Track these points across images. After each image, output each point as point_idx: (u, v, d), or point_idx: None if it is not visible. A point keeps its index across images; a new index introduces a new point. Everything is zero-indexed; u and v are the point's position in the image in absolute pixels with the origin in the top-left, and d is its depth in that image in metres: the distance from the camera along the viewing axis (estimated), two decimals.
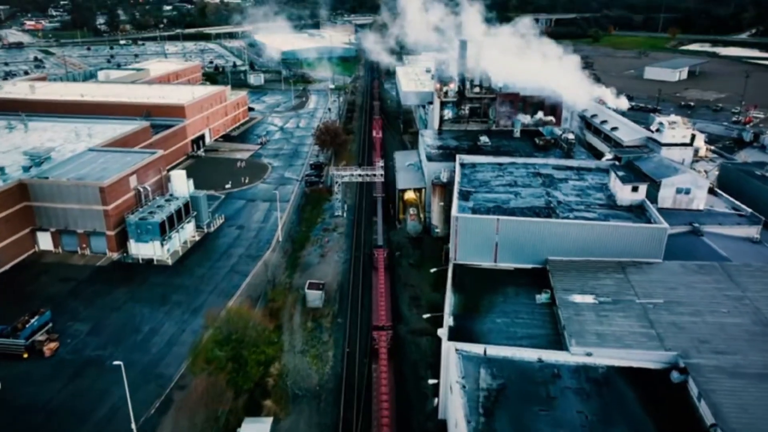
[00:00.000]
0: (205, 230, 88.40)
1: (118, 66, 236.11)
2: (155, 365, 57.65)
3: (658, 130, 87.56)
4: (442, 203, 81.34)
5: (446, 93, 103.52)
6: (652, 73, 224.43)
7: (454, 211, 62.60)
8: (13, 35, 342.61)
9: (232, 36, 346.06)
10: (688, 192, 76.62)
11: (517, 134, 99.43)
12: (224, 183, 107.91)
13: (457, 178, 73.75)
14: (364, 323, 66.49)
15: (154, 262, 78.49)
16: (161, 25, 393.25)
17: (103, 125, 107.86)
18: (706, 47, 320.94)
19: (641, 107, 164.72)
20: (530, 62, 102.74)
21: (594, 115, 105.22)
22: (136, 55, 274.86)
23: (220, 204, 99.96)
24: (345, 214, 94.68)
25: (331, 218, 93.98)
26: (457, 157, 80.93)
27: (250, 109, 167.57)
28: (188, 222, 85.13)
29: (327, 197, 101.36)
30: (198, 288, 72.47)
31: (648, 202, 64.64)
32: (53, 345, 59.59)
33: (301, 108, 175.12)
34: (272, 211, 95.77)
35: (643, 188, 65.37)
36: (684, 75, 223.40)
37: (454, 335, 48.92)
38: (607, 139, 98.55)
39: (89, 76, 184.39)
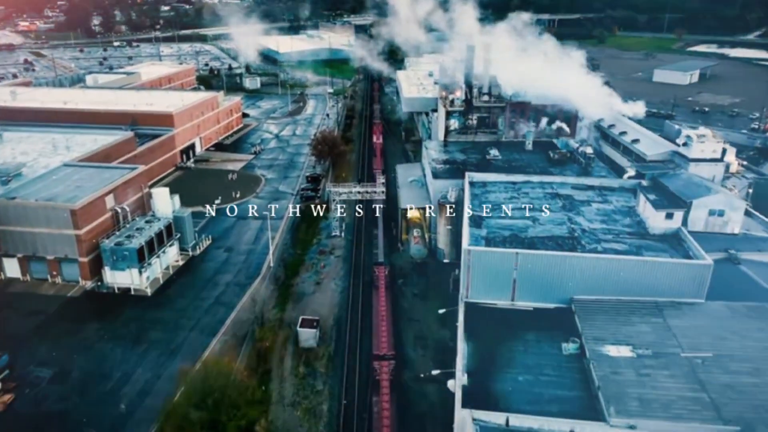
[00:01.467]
0: (190, 253, 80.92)
1: (110, 69, 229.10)
2: (123, 424, 50.13)
3: (685, 144, 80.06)
4: (450, 227, 73.85)
5: (452, 102, 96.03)
6: (661, 75, 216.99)
7: (465, 242, 55.12)
8: (6, 36, 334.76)
9: (228, 37, 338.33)
10: (721, 214, 69.13)
11: (529, 147, 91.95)
12: (214, 198, 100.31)
13: (467, 200, 66.28)
14: (363, 372, 58.96)
15: (131, 292, 70.97)
16: (157, 26, 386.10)
17: (83, 136, 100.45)
18: (713, 48, 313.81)
19: (654, 113, 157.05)
20: (542, 67, 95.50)
21: (611, 126, 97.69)
22: (130, 57, 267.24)
23: (209, 222, 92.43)
24: (343, 234, 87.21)
25: (327, 239, 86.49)
26: (466, 174, 73.46)
27: (245, 115, 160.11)
28: (171, 245, 77.64)
29: (324, 214, 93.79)
30: (178, 323, 64.95)
31: (685, 231, 57.14)
32: (7, 397, 52.21)
33: (299, 114, 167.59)
34: (264, 230, 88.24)
35: (678, 215, 57.87)
36: (695, 78, 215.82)
37: (469, 400, 41.41)
38: (627, 151, 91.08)
39: (77, 81, 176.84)
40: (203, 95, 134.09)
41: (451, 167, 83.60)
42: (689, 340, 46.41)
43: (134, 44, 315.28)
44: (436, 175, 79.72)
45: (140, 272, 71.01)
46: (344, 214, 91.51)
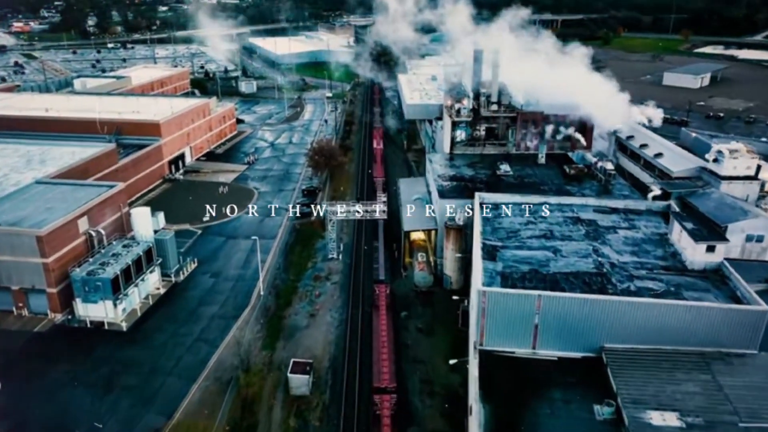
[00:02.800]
0: (173, 279, 73.92)
1: (103, 72, 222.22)
2: None
3: (716, 160, 73.10)
4: (459, 255, 66.88)
5: (458, 111, 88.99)
6: (671, 79, 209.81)
7: (478, 280, 48.11)
8: None
9: (226, 38, 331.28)
10: (760, 240, 62.34)
11: (542, 160, 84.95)
12: (202, 214, 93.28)
13: (478, 226, 59.22)
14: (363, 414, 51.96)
15: (104, 327, 63.95)
16: (154, 27, 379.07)
17: (61, 148, 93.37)
18: (719, 50, 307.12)
19: (667, 119, 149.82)
20: (554, 73, 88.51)
21: (630, 137, 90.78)
22: (124, 60, 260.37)
23: (196, 241, 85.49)
24: (340, 257, 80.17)
25: (323, 262, 79.45)
26: (476, 195, 66.38)
27: (240, 121, 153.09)
28: (151, 272, 70.62)
29: (320, 233, 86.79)
30: (155, 365, 57.93)
31: (729, 268, 50.09)
32: None
33: (295, 119, 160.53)
34: (256, 251, 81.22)
35: (721, 249, 50.79)
36: (706, 81, 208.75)
37: None
38: (649, 166, 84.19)
39: (65, 85, 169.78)
40: (194, 102, 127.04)
41: (459, 185, 76.58)
42: (745, 404, 39.39)
43: (129, 46, 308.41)
44: (442, 194, 72.69)
45: (115, 305, 64.03)
46: (342, 236, 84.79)
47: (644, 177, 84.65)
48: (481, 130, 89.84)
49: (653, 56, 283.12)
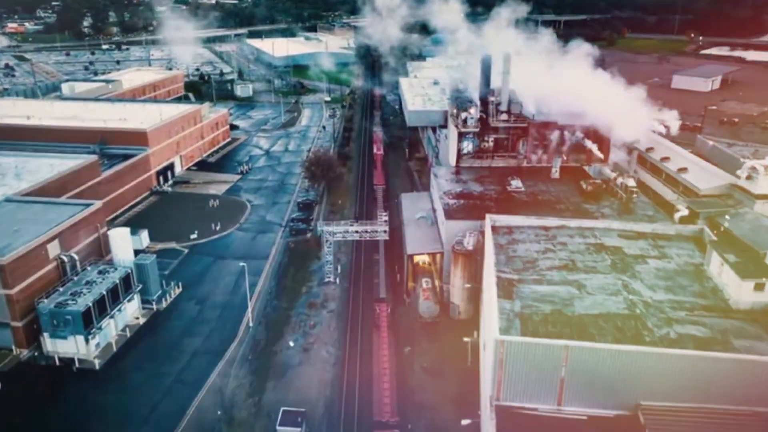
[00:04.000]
0: (154, 307, 67.56)
1: (95, 74, 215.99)
2: None
3: (749, 177, 66.79)
4: (468, 285, 60.57)
5: (465, 121, 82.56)
6: (680, 81, 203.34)
7: (494, 328, 41.73)
8: None
9: (223, 40, 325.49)
10: None
11: (556, 175, 78.57)
12: (190, 231, 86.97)
13: (491, 256, 52.85)
14: None
15: (75, 365, 57.60)
16: (150, 28, 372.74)
17: (39, 160, 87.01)
18: (725, 51, 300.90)
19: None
20: (568, 78, 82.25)
21: (650, 149, 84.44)
22: (118, 62, 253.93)
23: (182, 262, 79.17)
24: (338, 281, 73.84)
25: (319, 286, 73.09)
26: (488, 218, 60.03)
27: (234, 127, 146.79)
28: (129, 300, 64.28)
29: (316, 252, 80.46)
30: (129, 412, 51.55)
31: None
32: None
33: (292, 125, 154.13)
34: (246, 273, 74.98)
35: None
36: (717, 84, 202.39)
37: None
38: (671, 180, 77.87)
39: (52, 89, 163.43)
40: (185, 108, 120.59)
41: (467, 203, 70.18)
42: None
43: (124, 47, 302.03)
44: (449, 215, 66.30)
45: (87, 340, 57.69)
46: (339, 256, 78.58)
47: (666, 193, 78.29)
48: (490, 142, 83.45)
49: (660, 58, 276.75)
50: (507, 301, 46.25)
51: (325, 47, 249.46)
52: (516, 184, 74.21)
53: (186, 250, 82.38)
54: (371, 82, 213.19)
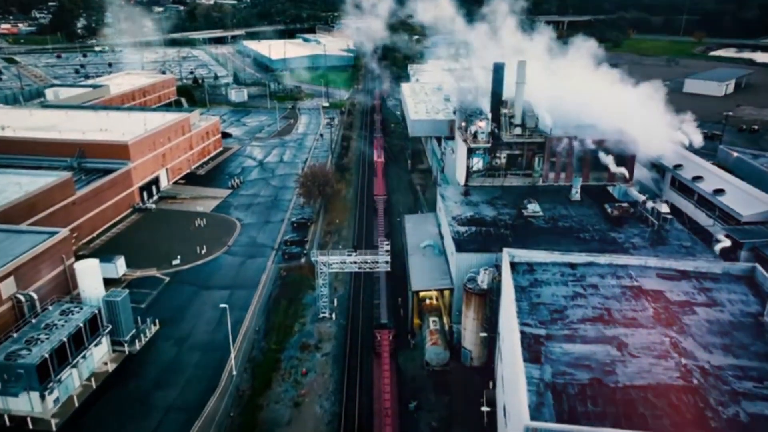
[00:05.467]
0: (126, 350, 59.78)
1: (86, 77, 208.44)
2: None
3: None
4: (484, 335, 52.80)
5: (475, 135, 74.89)
6: (693, 86, 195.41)
7: (524, 410, 33.91)
8: None
9: (220, 41, 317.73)
10: None
11: (577, 196, 70.71)
12: (173, 255, 79.27)
13: (512, 303, 45.02)
14: None
15: (28, 426, 49.82)
16: (146, 29, 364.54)
17: (8, 177, 79.51)
18: (732, 52, 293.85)
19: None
20: (588, 88, 74.74)
21: (678, 166, 76.67)
22: (110, 64, 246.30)
23: (162, 292, 71.44)
24: (334, 316, 66.07)
25: (313, 323, 65.27)
26: (505, 253, 52.23)
27: (227, 135, 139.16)
28: (96, 344, 56.53)
29: (310, 280, 72.66)
30: None
31: None
32: None
33: (288, 133, 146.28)
34: (233, 307, 67.14)
35: None
36: (731, 88, 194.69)
37: None
38: (704, 202, 70.14)
39: (35, 95, 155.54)
40: (172, 117, 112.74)
41: (479, 231, 62.33)
42: None
43: (117, 49, 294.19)
44: (460, 246, 58.46)
45: (43, 396, 49.91)
46: (336, 286, 70.94)
47: (699, 216, 70.48)
48: (502, 158, 75.78)
49: (668, 60, 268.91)
50: (535, 366, 38.45)
51: (324, 50, 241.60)
52: (533, 207, 66.39)
53: (167, 279, 74.60)
54: (371, 86, 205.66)
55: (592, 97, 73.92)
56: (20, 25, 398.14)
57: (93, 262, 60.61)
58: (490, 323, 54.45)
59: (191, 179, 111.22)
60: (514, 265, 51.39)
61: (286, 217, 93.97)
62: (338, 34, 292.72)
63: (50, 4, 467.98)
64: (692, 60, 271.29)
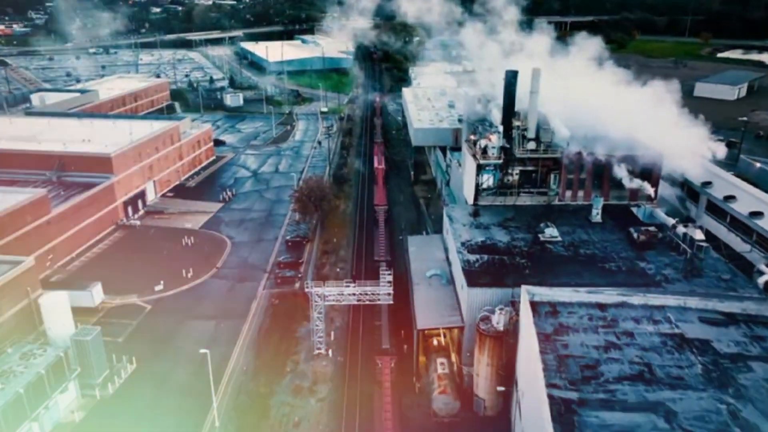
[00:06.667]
0: (98, 395, 53.44)
1: (77, 81, 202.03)
2: None
3: None
4: (501, 389, 46.44)
5: (485, 150, 68.50)
6: (704, 89, 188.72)
7: None
8: None
9: (217, 43, 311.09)
10: None
11: (597, 218, 64.30)
12: (156, 278, 72.99)
13: (536, 356, 38.71)
14: None
15: None
16: (143, 30, 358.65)
17: None
18: (738, 54, 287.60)
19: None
20: (608, 98, 68.31)
21: (707, 183, 70.33)
22: (103, 67, 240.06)
23: (142, 323, 65.17)
24: (330, 353, 59.72)
25: (307, 361, 58.90)
26: (524, 291, 45.88)
27: (220, 143, 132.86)
28: (62, 391, 50.17)
29: (305, 310, 66.07)
30: None
31: None
32: None
33: (285, 140, 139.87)
34: (218, 342, 61.10)
35: None
36: (743, 92, 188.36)
37: None
38: (736, 224, 63.75)
39: (20, 100, 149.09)
40: (160, 126, 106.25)
41: (492, 260, 55.90)
42: None
43: (111, 51, 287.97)
44: (472, 280, 52.05)
45: None
46: (332, 316, 64.62)
47: (733, 240, 64.06)
48: (515, 175, 69.38)
49: (675, 62, 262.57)
50: None
51: (322, 51, 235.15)
52: (550, 232, 59.98)
53: (148, 307, 68.29)
54: (371, 90, 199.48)
55: (608, 104, 67.57)
56: (15, 26, 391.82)
57: (61, 297, 54.25)
58: (506, 369, 48.09)
59: (180, 192, 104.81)
60: (534, 305, 45.03)
61: (281, 234, 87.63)
62: (337, 35, 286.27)
63: (48, 4, 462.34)
64: (700, 62, 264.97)
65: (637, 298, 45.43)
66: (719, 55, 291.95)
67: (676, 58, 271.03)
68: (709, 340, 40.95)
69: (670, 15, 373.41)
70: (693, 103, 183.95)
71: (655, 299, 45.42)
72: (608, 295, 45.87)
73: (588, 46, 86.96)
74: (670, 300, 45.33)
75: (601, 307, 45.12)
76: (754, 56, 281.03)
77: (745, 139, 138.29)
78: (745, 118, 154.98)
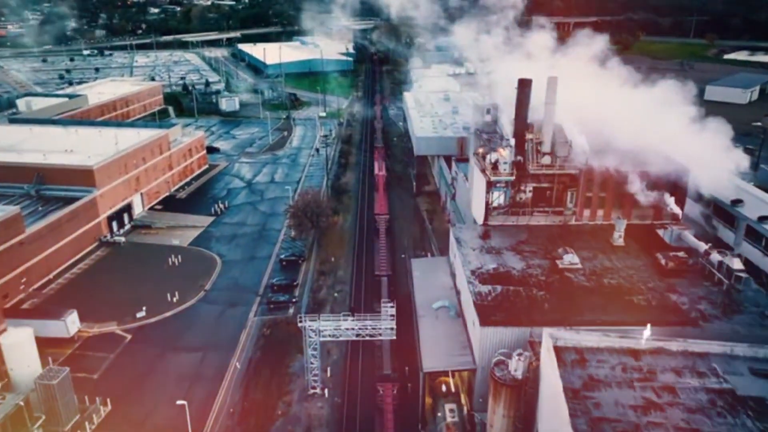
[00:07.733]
0: None
1: (70, 84, 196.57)
2: None
3: None
4: None
5: (495, 165, 62.80)
6: (714, 93, 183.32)
7: None
8: None
9: (214, 44, 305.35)
10: None
11: (620, 241, 58.57)
12: (139, 303, 67.35)
13: (563, 413, 33.03)
14: None
15: None
16: (139, 31, 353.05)
17: None
18: (744, 55, 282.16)
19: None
20: (629, 108, 62.63)
21: (738, 201, 64.63)
22: (97, 69, 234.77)
23: (120, 356, 59.54)
24: (326, 392, 54.04)
25: (301, 402, 53.25)
26: (545, 335, 40.19)
27: (214, 150, 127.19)
28: None
29: (298, 341, 59.87)
30: None
31: None
32: None
33: (281, 147, 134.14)
34: (203, 378, 55.52)
35: None
36: (755, 95, 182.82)
37: None
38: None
39: (6, 105, 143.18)
40: (148, 134, 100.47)
41: (507, 294, 50.07)
42: None
43: (107, 52, 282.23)
44: (485, 318, 46.30)
45: None
46: (329, 348, 58.98)
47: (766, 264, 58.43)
48: (528, 192, 63.73)
49: (682, 63, 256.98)
50: None
51: (321, 53, 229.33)
52: (570, 258, 54.22)
53: (128, 337, 62.72)
54: (371, 93, 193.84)
55: (624, 112, 61.96)
56: (9, 26, 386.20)
57: (25, 334, 48.66)
58: (525, 422, 42.38)
59: (170, 204, 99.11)
60: (559, 351, 39.36)
61: (275, 252, 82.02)
62: (337, 36, 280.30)
63: (45, 5, 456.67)
64: (707, 63, 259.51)
65: (675, 344, 39.73)
66: (726, 56, 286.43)
67: (682, 59, 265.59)
68: (765, 399, 35.26)
69: (673, 16, 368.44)
70: (704, 107, 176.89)
71: (697, 345, 39.71)
72: (641, 340, 40.09)
73: (596, 47, 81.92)
74: (715, 346, 39.62)
75: (635, 354, 39.43)
76: (761, 57, 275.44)
77: (757, 143, 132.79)
78: (758, 123, 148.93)
